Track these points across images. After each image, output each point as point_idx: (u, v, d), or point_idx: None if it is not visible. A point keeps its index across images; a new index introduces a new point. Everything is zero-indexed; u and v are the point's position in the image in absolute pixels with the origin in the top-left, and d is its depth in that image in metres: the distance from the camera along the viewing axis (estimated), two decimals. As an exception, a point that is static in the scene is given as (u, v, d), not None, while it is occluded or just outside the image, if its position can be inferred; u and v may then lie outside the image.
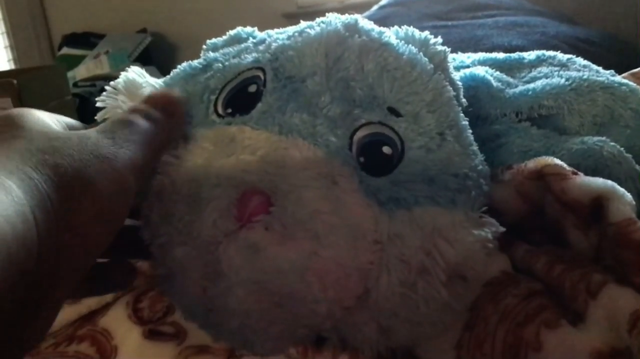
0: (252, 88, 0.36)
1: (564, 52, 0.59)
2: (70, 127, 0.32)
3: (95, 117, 0.37)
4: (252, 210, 0.30)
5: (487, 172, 0.38)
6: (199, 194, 0.32)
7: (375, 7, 1.43)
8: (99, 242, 0.27)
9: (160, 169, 0.34)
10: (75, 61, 2.88)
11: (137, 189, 0.29)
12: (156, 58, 2.93)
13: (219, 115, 0.36)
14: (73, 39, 3.07)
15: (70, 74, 2.67)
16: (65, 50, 3.04)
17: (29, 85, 1.77)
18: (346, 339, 0.34)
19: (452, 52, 0.62)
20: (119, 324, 0.45)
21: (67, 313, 0.47)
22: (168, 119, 0.34)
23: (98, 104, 0.37)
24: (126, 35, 2.97)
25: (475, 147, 0.38)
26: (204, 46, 0.44)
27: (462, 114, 0.39)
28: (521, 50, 0.60)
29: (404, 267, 0.31)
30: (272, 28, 0.43)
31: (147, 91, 0.38)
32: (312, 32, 0.38)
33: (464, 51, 0.67)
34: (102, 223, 0.27)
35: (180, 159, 0.34)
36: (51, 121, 0.30)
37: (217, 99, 0.37)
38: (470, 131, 0.39)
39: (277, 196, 0.31)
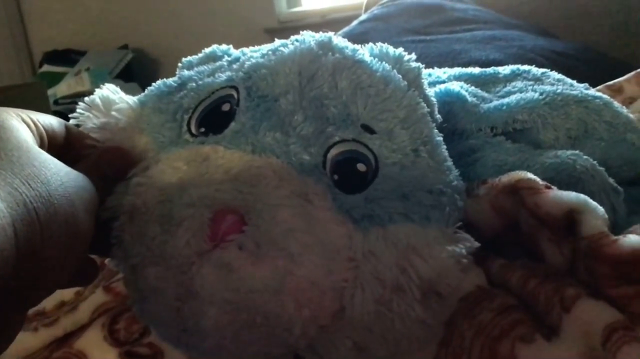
0: (226, 107, 0.36)
1: (541, 65, 0.59)
2: (49, 131, 0.32)
3: None
4: (225, 229, 0.30)
5: (462, 188, 0.38)
6: (171, 214, 0.31)
7: (355, 22, 1.43)
8: (76, 258, 0.28)
9: (132, 189, 0.33)
10: (57, 78, 2.86)
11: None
12: (138, 74, 2.92)
13: (192, 134, 0.36)
14: (54, 56, 3.05)
15: (51, 91, 2.65)
16: (46, 67, 3.02)
17: (8, 103, 1.75)
18: (323, 357, 0.34)
19: (430, 66, 0.63)
20: (95, 346, 0.44)
21: (43, 336, 0.46)
22: (116, 173, 0.35)
23: (72, 121, 0.37)
24: (107, 52, 2.96)
25: (450, 163, 0.38)
26: (179, 64, 0.44)
27: (436, 130, 0.39)
28: (499, 64, 0.61)
29: (378, 285, 0.31)
30: (254, 43, 0.43)
31: (120, 107, 0.38)
32: (285, 50, 0.38)
33: (442, 65, 0.67)
34: (79, 241, 0.28)
35: (152, 179, 0.33)
36: (27, 129, 0.30)
37: (190, 118, 0.37)
38: (445, 146, 0.39)
39: (251, 215, 0.31)
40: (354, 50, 0.39)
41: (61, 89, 2.76)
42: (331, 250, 0.31)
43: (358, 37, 1.27)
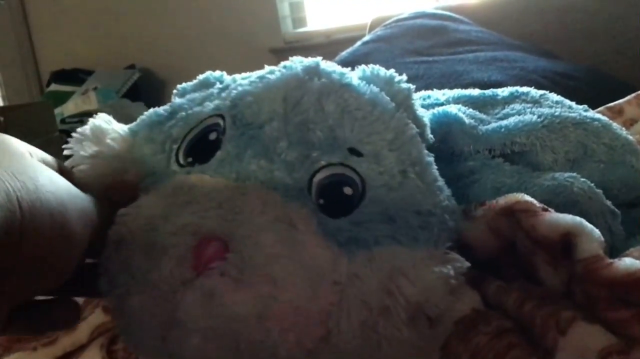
0: (212, 136, 0.37)
1: (543, 86, 0.59)
2: (44, 161, 0.32)
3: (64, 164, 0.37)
4: (208, 257, 0.30)
5: (454, 208, 0.38)
6: (156, 242, 0.32)
7: (358, 43, 1.44)
8: (66, 263, 0.28)
9: (119, 219, 0.34)
10: (64, 97, 2.88)
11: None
12: (144, 94, 2.93)
13: (180, 164, 0.36)
14: (62, 76, 3.07)
15: (58, 110, 2.67)
16: (53, 86, 3.04)
17: (16, 122, 1.77)
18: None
19: (432, 87, 0.63)
20: (94, 366, 0.44)
21: (42, 356, 0.46)
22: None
23: (65, 152, 0.38)
24: (114, 72, 2.98)
25: (440, 183, 0.38)
26: (174, 91, 0.44)
27: (426, 151, 0.39)
28: (500, 85, 0.61)
29: (364, 308, 0.31)
30: (260, 63, 0.44)
31: (113, 136, 0.38)
32: (272, 77, 0.39)
33: (444, 86, 0.68)
34: (69, 244, 0.28)
35: (139, 209, 0.34)
36: (26, 150, 0.30)
37: (178, 148, 0.37)
38: (436, 167, 0.39)
39: (234, 241, 0.31)
40: (341, 74, 0.39)
41: (68, 108, 2.78)
42: (316, 274, 0.31)
43: (361, 58, 1.28)
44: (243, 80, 0.41)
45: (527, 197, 0.38)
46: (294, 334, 0.30)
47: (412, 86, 0.41)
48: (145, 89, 2.97)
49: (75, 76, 3.05)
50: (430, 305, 0.32)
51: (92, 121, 0.39)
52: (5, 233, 0.24)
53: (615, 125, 0.52)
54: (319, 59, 0.40)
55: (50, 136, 2.00)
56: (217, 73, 0.45)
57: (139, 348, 0.34)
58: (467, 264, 0.34)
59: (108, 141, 0.38)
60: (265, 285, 0.30)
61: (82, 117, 2.67)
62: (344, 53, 1.41)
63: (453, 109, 0.50)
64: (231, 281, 0.30)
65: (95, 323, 0.47)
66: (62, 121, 2.66)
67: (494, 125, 0.49)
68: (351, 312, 0.31)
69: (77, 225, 0.28)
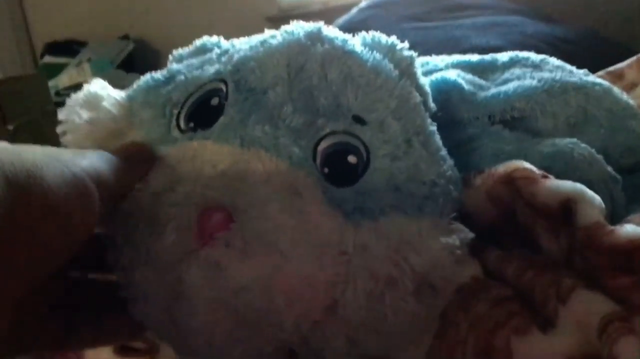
0: (215, 101, 0.36)
1: (542, 51, 0.58)
2: None
3: (57, 130, 0.36)
4: (212, 228, 0.30)
5: (457, 178, 0.38)
6: (159, 214, 0.31)
7: (354, 10, 1.42)
8: (52, 244, 0.26)
9: (129, 196, 0.33)
10: (58, 69, 2.85)
11: (103, 208, 0.28)
12: (139, 64, 2.90)
13: (181, 130, 0.35)
14: (55, 47, 3.04)
15: (52, 82, 2.65)
16: (47, 58, 3.01)
17: (10, 95, 1.75)
18: (316, 352, 0.34)
19: (430, 53, 0.62)
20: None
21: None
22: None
23: (60, 117, 0.37)
24: (108, 43, 2.95)
25: (443, 153, 0.38)
26: (170, 57, 0.43)
27: (429, 120, 0.39)
28: (499, 50, 0.60)
29: (370, 278, 0.31)
30: (255, 32, 0.42)
31: (109, 102, 0.37)
32: (274, 42, 0.37)
33: (442, 52, 0.66)
34: (55, 223, 0.26)
35: (147, 183, 0.33)
36: None
37: (179, 113, 0.36)
38: (439, 136, 0.38)
39: (239, 211, 0.30)
40: (344, 41, 0.38)
41: (62, 80, 2.76)
42: (322, 244, 0.31)
43: (358, 25, 1.26)
44: (243, 45, 0.40)
45: (527, 164, 0.37)
46: (300, 305, 0.30)
47: (415, 53, 0.40)
48: (139, 60, 2.95)
49: (68, 48, 3.03)
50: (436, 276, 0.32)
51: (86, 87, 0.38)
52: None
53: (616, 89, 0.51)
54: (320, 23, 0.39)
55: (44, 109, 1.98)
56: (215, 39, 0.44)
57: (146, 319, 0.34)
58: (472, 234, 0.34)
59: (104, 104, 0.37)
60: (270, 255, 0.30)
61: (77, 90, 2.65)
62: (339, 20, 1.39)
63: (452, 74, 0.49)
64: (236, 251, 0.29)
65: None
66: (57, 93, 2.63)
67: (493, 91, 0.48)
68: (357, 282, 0.31)
69: (68, 199, 0.26)
